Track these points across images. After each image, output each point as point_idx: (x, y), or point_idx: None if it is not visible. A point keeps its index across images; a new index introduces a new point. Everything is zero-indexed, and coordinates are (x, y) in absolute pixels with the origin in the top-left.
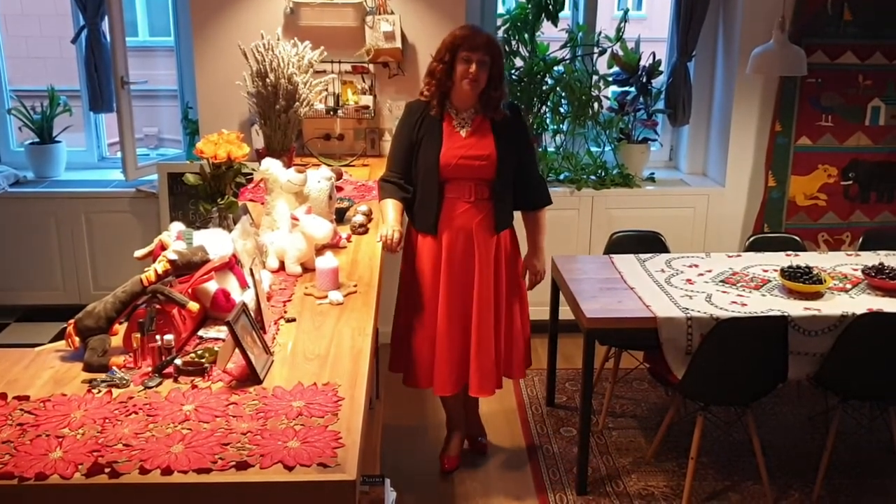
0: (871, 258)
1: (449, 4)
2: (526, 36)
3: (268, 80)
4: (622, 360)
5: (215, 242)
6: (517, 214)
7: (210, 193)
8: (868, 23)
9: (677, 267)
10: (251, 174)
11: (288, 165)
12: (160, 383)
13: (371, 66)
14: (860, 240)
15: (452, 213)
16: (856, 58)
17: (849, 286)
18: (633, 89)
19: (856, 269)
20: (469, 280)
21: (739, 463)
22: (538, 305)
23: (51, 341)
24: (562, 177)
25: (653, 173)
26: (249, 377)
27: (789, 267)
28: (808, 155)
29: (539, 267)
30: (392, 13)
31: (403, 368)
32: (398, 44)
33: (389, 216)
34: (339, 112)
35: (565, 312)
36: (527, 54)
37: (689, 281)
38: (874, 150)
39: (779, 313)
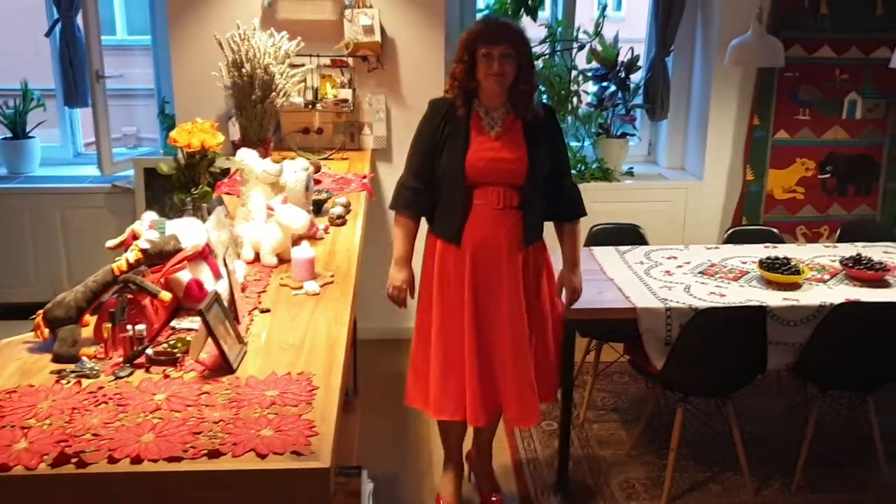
0: (849, 249)
1: None
2: None
3: (244, 71)
4: (603, 354)
5: (188, 232)
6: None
7: (184, 183)
8: (844, 17)
9: (656, 259)
10: (229, 169)
11: (264, 156)
12: (131, 373)
13: (350, 60)
14: (838, 232)
15: (478, 222)
16: (832, 52)
17: (827, 277)
18: (611, 85)
19: (834, 261)
20: (496, 297)
21: (720, 454)
22: None
23: None
24: None
25: (632, 168)
26: (222, 367)
27: (767, 258)
28: (786, 148)
29: (577, 283)
30: (371, 7)
31: (424, 399)
32: (377, 37)
33: (398, 251)
34: (318, 106)
35: None
36: None
37: (667, 272)
38: (851, 143)
39: (757, 303)
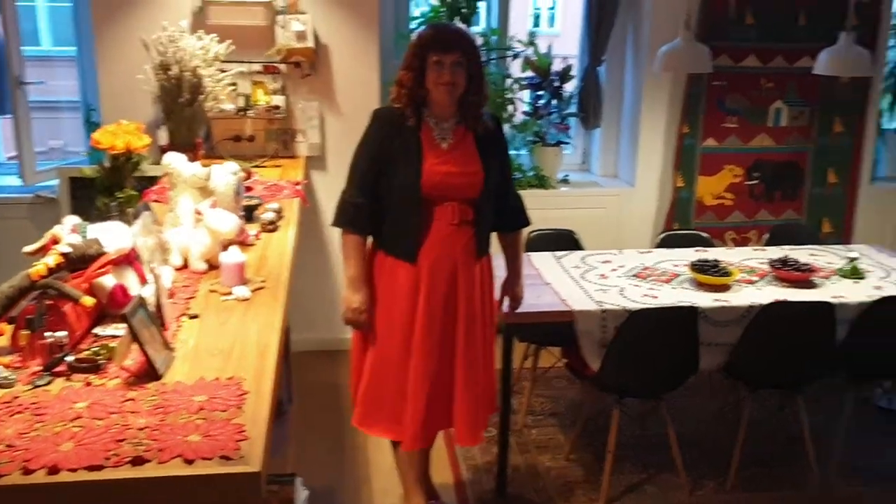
0: (777, 252)
1: (362, 4)
2: None
3: (171, 73)
4: (540, 360)
5: (112, 235)
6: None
7: (108, 186)
8: (769, 27)
9: (591, 263)
10: (157, 177)
11: (193, 160)
12: (50, 382)
13: (282, 66)
14: (766, 237)
15: (434, 239)
16: (758, 61)
17: (756, 278)
18: (546, 94)
19: (762, 263)
20: (451, 314)
21: (655, 455)
22: None
23: None
24: None
25: (567, 175)
26: (148, 373)
27: (698, 261)
28: (715, 156)
29: (520, 292)
30: (304, 13)
31: (362, 412)
32: (310, 43)
33: (350, 270)
34: (250, 112)
35: None
36: None
37: (602, 276)
38: (777, 150)
39: (689, 304)
